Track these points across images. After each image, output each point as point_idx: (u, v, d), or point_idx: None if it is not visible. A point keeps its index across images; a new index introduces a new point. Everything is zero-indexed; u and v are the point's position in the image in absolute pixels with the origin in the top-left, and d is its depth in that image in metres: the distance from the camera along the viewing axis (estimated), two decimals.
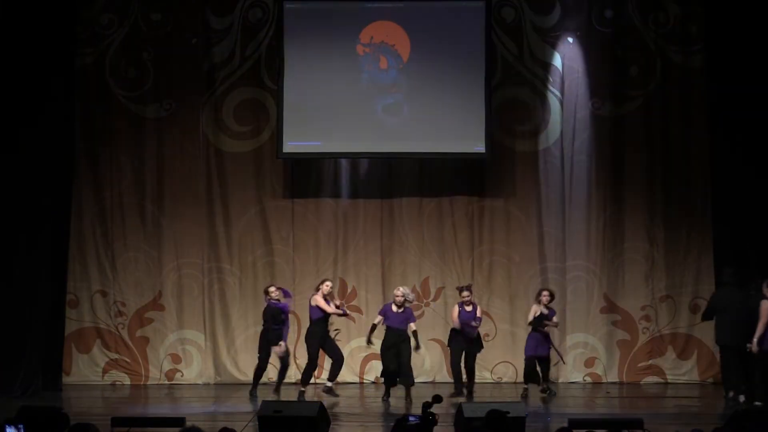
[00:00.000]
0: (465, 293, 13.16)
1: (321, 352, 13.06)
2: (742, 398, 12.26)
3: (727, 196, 13.84)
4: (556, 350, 13.42)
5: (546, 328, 13.16)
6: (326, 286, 12.96)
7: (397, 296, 12.90)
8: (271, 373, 13.69)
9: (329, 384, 12.99)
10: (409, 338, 12.90)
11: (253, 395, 13.05)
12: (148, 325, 14.51)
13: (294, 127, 14.25)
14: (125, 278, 14.50)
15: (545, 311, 13.12)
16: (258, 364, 13.30)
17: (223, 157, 14.65)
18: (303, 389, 12.90)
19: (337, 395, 12.88)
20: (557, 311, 13.53)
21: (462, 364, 13.12)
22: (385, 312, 12.97)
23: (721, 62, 13.82)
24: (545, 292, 13.26)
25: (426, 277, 14.62)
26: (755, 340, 12.08)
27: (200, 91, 14.51)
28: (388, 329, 12.90)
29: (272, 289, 13.23)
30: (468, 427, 9.37)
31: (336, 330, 13.43)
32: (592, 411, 12.26)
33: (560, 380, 14.33)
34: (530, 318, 13.15)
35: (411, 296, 13.13)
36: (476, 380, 13.69)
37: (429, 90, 14.32)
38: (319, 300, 12.81)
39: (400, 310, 12.89)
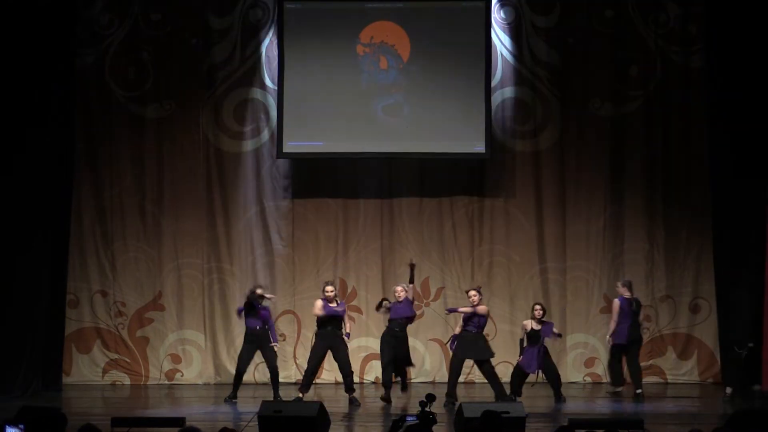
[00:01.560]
0: (472, 293, 12.43)
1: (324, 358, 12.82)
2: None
3: (727, 196, 13.84)
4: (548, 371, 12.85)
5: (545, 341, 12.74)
6: (327, 290, 12.50)
7: (398, 294, 12.67)
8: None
9: (349, 395, 12.53)
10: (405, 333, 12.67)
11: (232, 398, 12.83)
12: (148, 325, 14.52)
13: (294, 127, 14.26)
14: (125, 278, 14.51)
15: (536, 327, 12.65)
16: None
17: (223, 157, 14.65)
18: (300, 395, 12.53)
19: (357, 404, 12.45)
20: (556, 314, 13.53)
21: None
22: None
23: (721, 62, 13.81)
24: (537, 307, 12.78)
25: (426, 277, 14.61)
26: (609, 336, 13.36)
27: (200, 91, 14.52)
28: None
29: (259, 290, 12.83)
30: (467, 427, 9.38)
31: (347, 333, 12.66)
32: (592, 411, 12.24)
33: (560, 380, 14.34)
34: (522, 335, 12.82)
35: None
36: (476, 380, 13.69)
37: (429, 90, 14.32)
38: (315, 306, 12.55)
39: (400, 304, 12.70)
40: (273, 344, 12.75)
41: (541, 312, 12.73)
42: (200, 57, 14.49)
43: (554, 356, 14.16)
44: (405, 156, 14.50)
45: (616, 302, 13.27)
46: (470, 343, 12.25)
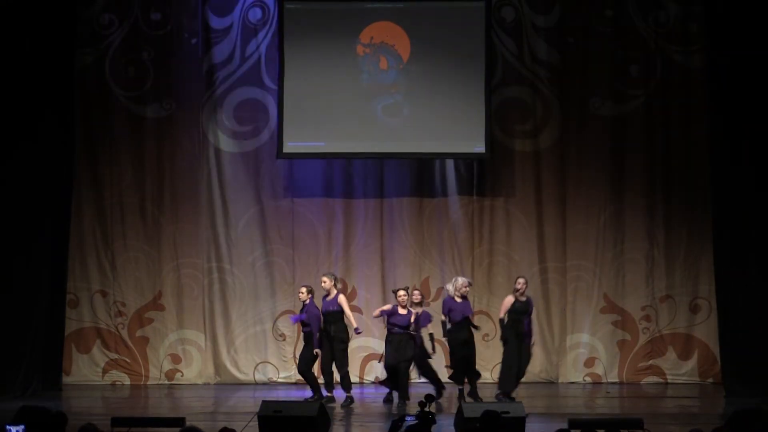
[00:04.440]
0: (401, 293, 12.46)
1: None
2: None
3: (728, 195, 13.80)
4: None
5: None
6: (322, 282, 12.65)
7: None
8: (271, 372, 13.73)
9: (346, 394, 12.48)
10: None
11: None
12: (148, 325, 14.52)
13: (294, 127, 14.26)
14: (125, 278, 14.51)
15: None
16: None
17: (223, 157, 14.66)
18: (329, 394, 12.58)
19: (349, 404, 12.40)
20: (556, 314, 13.51)
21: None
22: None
23: (721, 62, 13.79)
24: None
25: (426, 277, 14.62)
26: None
27: (200, 91, 14.52)
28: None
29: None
30: (468, 427, 9.39)
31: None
32: (592, 411, 12.25)
33: (560, 380, 14.36)
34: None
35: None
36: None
37: (429, 90, 14.32)
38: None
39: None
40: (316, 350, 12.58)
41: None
42: (200, 57, 14.50)
43: (555, 356, 14.24)
44: (405, 156, 14.50)
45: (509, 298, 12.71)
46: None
